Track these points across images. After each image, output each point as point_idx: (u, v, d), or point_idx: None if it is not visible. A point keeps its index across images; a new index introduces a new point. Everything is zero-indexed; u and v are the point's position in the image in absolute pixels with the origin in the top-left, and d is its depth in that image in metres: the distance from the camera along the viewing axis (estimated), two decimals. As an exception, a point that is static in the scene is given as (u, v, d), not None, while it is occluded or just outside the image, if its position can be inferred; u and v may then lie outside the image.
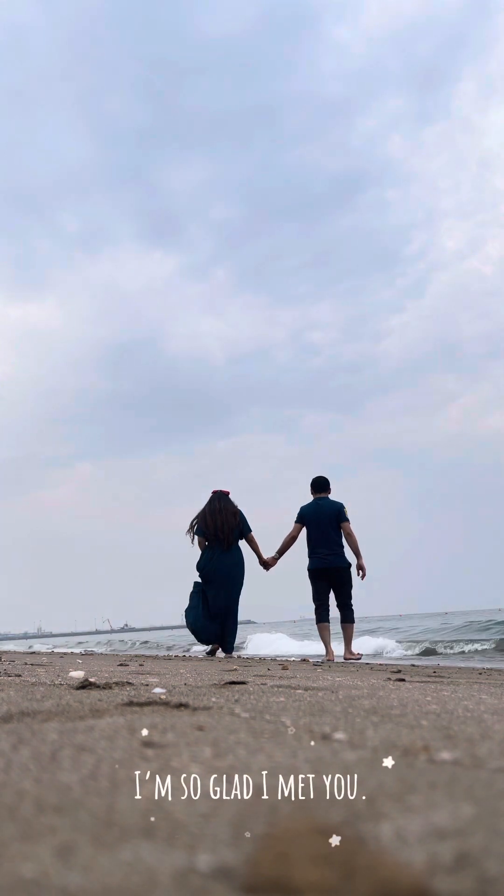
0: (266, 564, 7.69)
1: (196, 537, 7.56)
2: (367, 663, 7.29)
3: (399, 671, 4.65)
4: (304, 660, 8.19)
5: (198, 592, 7.49)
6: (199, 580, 7.53)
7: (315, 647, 11.90)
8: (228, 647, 7.52)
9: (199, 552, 7.59)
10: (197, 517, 7.57)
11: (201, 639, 7.54)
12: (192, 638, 8.20)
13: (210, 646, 7.67)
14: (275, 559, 7.71)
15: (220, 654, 7.66)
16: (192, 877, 0.56)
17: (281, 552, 7.70)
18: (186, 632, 8.43)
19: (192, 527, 7.60)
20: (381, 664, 7.25)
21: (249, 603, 7.74)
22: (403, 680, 3.31)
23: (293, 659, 8.43)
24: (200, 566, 7.47)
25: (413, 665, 7.02)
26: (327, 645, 7.53)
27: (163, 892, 0.53)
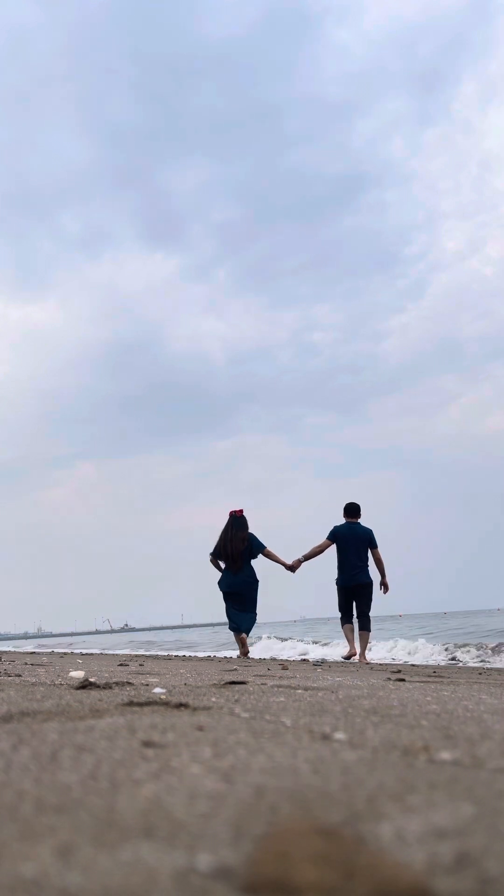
0: (292, 568, 8.49)
1: (215, 560, 8.66)
2: (368, 663, 7.32)
3: (399, 671, 4.65)
4: (304, 660, 8.21)
5: (225, 603, 8.65)
6: (223, 595, 8.64)
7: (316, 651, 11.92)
8: (246, 630, 8.46)
9: (219, 569, 8.68)
10: (217, 541, 8.65)
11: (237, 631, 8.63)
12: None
13: (238, 646, 8.61)
14: (299, 561, 8.45)
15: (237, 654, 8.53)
16: (192, 877, 0.56)
17: (307, 557, 8.46)
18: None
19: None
20: (381, 664, 7.26)
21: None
22: (403, 680, 3.31)
23: (293, 659, 8.44)
24: (220, 584, 8.55)
25: (413, 665, 7.02)
26: (350, 641, 8.26)
27: (163, 892, 0.53)
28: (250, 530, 8.57)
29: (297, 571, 8.51)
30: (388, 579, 8.42)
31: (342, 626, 8.43)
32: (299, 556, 8.48)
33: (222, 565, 8.56)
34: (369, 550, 8.38)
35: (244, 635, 8.44)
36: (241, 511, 8.63)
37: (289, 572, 8.53)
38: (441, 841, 0.65)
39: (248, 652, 8.55)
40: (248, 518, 8.65)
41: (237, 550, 8.38)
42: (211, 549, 8.65)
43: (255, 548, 8.47)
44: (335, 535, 8.38)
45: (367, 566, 8.38)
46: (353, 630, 8.29)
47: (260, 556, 8.52)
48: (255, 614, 8.52)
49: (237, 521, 8.54)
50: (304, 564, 8.49)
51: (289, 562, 8.50)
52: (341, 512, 8.61)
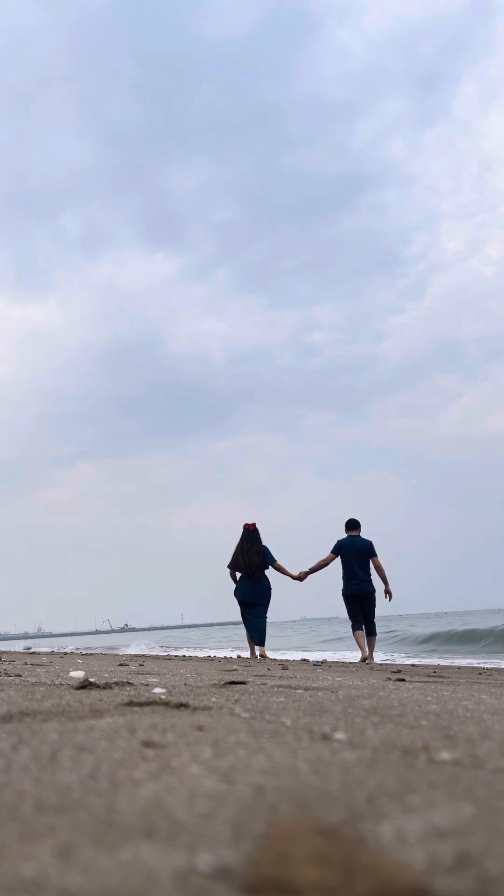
0: (299, 579, 9.29)
1: (233, 572, 9.44)
2: (368, 663, 7.33)
3: (399, 671, 4.66)
4: (304, 660, 8.24)
5: (241, 610, 9.49)
6: (240, 604, 9.45)
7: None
8: (261, 642, 9.23)
9: (235, 581, 9.45)
10: (233, 553, 9.45)
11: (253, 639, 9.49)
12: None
13: (250, 651, 9.38)
14: (306, 574, 9.24)
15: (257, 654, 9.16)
16: (192, 877, 0.56)
17: (313, 570, 9.23)
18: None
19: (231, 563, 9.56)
20: (381, 664, 7.27)
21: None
22: (403, 680, 3.31)
23: (293, 659, 8.46)
24: (236, 593, 9.31)
25: (413, 665, 7.02)
26: (362, 647, 8.88)
27: (163, 892, 0.53)
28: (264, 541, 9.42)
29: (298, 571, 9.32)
30: (390, 584, 9.08)
31: (353, 632, 9.09)
32: (305, 568, 9.24)
33: (238, 576, 9.36)
34: (370, 560, 9.07)
35: (262, 648, 9.18)
36: (254, 524, 9.39)
37: (297, 581, 9.29)
38: (441, 841, 0.65)
39: (266, 657, 9.21)
40: (250, 519, 9.50)
41: (254, 563, 9.20)
42: (228, 562, 9.44)
43: (270, 560, 9.29)
44: (339, 549, 9.09)
45: (370, 575, 9.07)
46: (363, 636, 8.91)
47: (270, 567, 9.34)
48: (266, 618, 9.30)
49: (251, 534, 9.33)
50: (302, 562, 9.35)
51: (295, 573, 9.25)
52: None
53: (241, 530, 9.51)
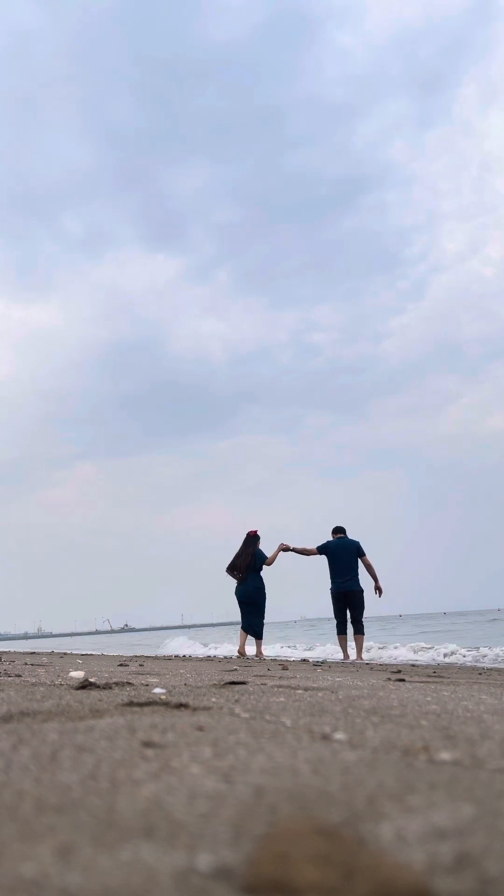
0: (283, 549, 9.98)
1: (230, 572, 10.31)
2: (367, 663, 7.33)
3: (399, 671, 4.66)
4: (304, 660, 8.25)
5: (239, 608, 10.30)
6: (238, 602, 10.27)
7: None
8: (256, 636, 9.94)
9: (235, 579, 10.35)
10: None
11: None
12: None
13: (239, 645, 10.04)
14: (288, 548, 9.89)
15: (248, 653, 9.73)
16: (192, 877, 0.56)
17: (295, 549, 9.85)
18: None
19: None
20: (381, 664, 7.27)
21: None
22: (403, 680, 3.31)
23: (293, 659, 8.48)
24: (235, 593, 10.13)
25: (413, 665, 7.03)
26: (344, 650, 9.33)
27: (163, 892, 0.53)
28: (261, 544, 10.12)
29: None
30: (382, 583, 9.38)
31: (338, 635, 9.58)
32: (289, 545, 9.92)
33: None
34: (359, 560, 9.48)
35: (259, 643, 9.80)
36: (255, 531, 10.22)
37: (282, 549, 10.00)
38: (441, 841, 0.65)
39: (262, 656, 9.63)
40: (251, 520, 10.51)
41: (243, 564, 10.06)
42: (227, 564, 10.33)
43: (259, 562, 10.05)
44: (326, 548, 9.55)
45: (357, 575, 9.46)
46: (346, 640, 9.35)
47: (265, 566, 10.02)
48: (262, 620, 10.01)
49: (249, 540, 10.19)
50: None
51: (279, 546, 10.00)
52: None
53: (241, 532, 10.27)
